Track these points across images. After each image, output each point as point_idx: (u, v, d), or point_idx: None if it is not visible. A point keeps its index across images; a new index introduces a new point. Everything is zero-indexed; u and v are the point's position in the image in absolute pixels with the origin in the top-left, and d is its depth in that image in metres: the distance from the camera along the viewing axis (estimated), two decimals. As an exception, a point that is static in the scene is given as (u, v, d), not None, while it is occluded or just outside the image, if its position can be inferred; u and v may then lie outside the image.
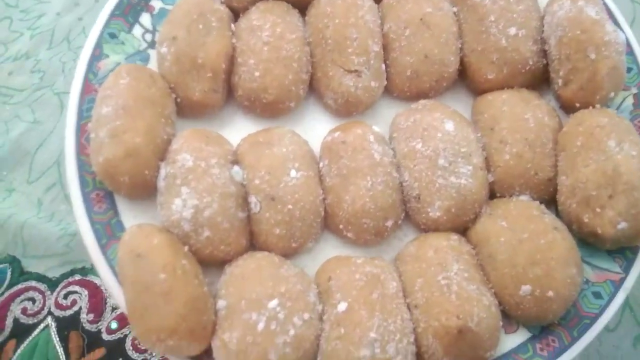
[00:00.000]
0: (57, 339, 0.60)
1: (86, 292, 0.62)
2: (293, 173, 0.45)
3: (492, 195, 0.48)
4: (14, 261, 0.64)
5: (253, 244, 0.46)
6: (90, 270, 0.63)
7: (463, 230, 0.47)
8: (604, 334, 0.58)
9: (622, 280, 0.45)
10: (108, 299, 0.62)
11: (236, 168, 0.46)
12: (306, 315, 0.41)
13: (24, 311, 0.62)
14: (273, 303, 0.40)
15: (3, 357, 0.59)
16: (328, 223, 0.47)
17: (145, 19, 0.53)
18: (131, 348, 0.59)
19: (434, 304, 0.41)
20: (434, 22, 0.50)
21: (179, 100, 0.49)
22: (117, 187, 0.45)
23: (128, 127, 0.44)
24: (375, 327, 0.40)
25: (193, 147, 0.45)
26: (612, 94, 0.47)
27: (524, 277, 0.41)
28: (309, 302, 0.42)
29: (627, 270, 0.45)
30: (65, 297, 0.62)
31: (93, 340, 0.60)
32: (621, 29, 0.53)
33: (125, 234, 0.43)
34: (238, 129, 0.51)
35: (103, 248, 0.45)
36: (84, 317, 0.61)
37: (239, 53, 0.49)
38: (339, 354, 0.40)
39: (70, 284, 0.63)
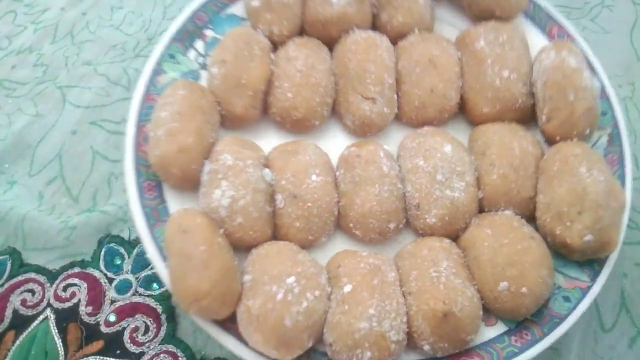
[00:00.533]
0: (56, 330, 0.59)
1: (85, 285, 0.61)
2: (314, 177, 0.53)
3: (481, 210, 0.55)
4: (14, 253, 0.64)
5: (275, 235, 0.53)
6: (90, 263, 0.62)
7: (454, 237, 0.54)
8: (599, 335, 0.59)
9: (589, 288, 0.51)
10: (107, 292, 0.61)
11: (267, 170, 0.54)
12: (317, 293, 0.48)
13: (23, 302, 0.61)
14: (291, 279, 0.47)
15: (2, 347, 0.58)
16: (340, 223, 0.55)
17: (199, 45, 0.62)
18: (129, 341, 0.58)
19: (424, 291, 0.48)
20: (440, 63, 0.59)
21: (223, 112, 0.57)
22: (168, 178, 0.53)
23: (182, 129, 0.53)
24: (374, 305, 0.46)
25: (233, 149, 0.53)
26: (588, 131, 0.54)
27: (502, 275, 0.48)
28: (320, 282, 0.49)
29: (593, 279, 0.51)
30: (65, 289, 0.61)
31: (91, 333, 0.59)
32: (598, 77, 0.60)
33: (173, 214, 0.50)
34: (269, 141, 0.58)
35: (150, 228, 0.52)
36: (82, 309, 0.60)
37: (276, 77, 0.58)
38: (342, 325, 0.46)
39: (69, 276, 0.62)
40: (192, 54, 0.62)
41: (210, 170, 0.52)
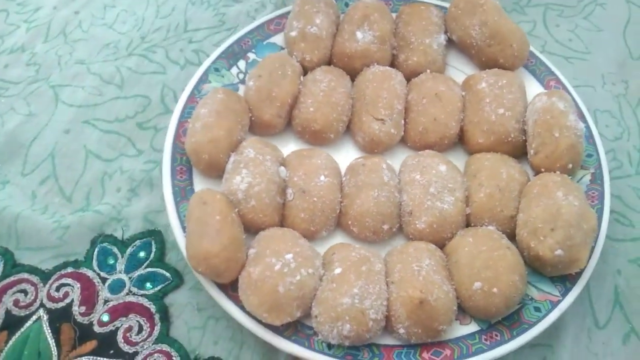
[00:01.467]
0: (49, 330, 0.57)
1: (78, 285, 0.60)
2: (322, 178, 0.60)
3: (467, 225, 0.60)
4: (6, 253, 0.62)
5: (282, 224, 0.59)
6: (84, 262, 0.61)
7: (441, 245, 0.59)
8: (593, 332, 0.59)
9: (559, 302, 0.54)
10: (100, 292, 0.60)
11: (282, 168, 0.62)
12: (310, 270, 0.53)
13: (16, 303, 0.59)
14: (289, 255, 0.53)
15: (-6, 348, 0.59)
16: (340, 220, 0.61)
17: (241, 64, 0.72)
18: (122, 341, 0.57)
19: (405, 281, 0.53)
20: (445, 97, 0.67)
21: (252, 118, 0.66)
22: (198, 163, 0.61)
23: (215, 124, 0.62)
24: (358, 286, 0.52)
25: (256, 146, 0.62)
26: (570, 165, 0.60)
27: (478, 276, 0.53)
28: (315, 264, 0.55)
29: (564, 295, 0.55)
30: (58, 289, 0.60)
31: (84, 333, 0.57)
32: (585, 120, 0.66)
33: (197, 191, 0.58)
34: (288, 148, 0.66)
35: (177, 204, 0.59)
36: (75, 309, 0.59)
37: (302, 95, 0.67)
38: (328, 300, 0.52)
39: (62, 276, 0.61)
40: (234, 70, 0.72)
41: (234, 161, 0.61)
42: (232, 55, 0.72)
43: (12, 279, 0.61)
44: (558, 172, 0.60)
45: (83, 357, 0.56)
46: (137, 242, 0.64)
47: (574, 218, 0.54)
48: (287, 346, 0.52)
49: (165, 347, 0.57)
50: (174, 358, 0.56)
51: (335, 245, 0.59)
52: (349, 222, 0.60)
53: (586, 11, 0.87)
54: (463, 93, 0.69)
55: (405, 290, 0.52)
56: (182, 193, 0.61)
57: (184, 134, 0.65)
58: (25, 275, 0.61)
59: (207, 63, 0.71)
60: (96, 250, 0.63)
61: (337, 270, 0.54)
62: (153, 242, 0.64)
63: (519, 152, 0.65)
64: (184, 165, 0.63)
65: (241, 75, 0.72)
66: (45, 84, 0.75)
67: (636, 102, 0.78)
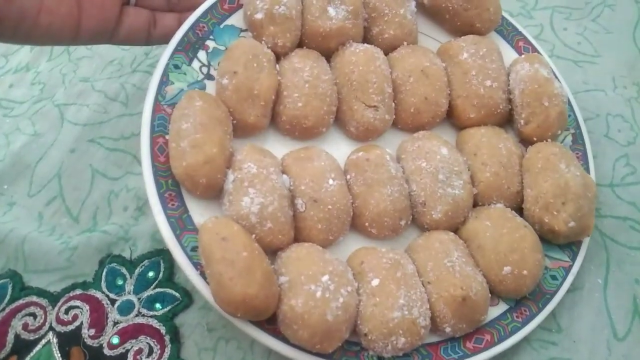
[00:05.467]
0: (59, 355, 0.59)
1: (87, 307, 0.61)
2: (331, 181, 0.56)
3: (475, 204, 0.61)
4: (14, 276, 0.64)
5: (297, 237, 0.56)
6: (92, 284, 0.62)
7: (455, 230, 0.60)
8: (612, 344, 0.58)
9: (570, 267, 0.59)
10: (109, 314, 0.61)
11: (285, 177, 0.57)
12: (349, 289, 0.51)
13: (25, 327, 0.60)
14: (325, 278, 0.50)
15: (4, 374, 0.60)
16: (355, 222, 0.58)
17: (202, 55, 0.63)
18: None
19: (443, 280, 0.53)
20: (432, 73, 0.65)
21: (234, 122, 0.59)
22: (195, 188, 0.54)
23: (206, 140, 0.54)
24: (402, 296, 0.51)
25: (255, 158, 0.55)
26: (559, 132, 0.63)
27: (505, 260, 0.55)
28: (349, 279, 0.53)
29: (573, 259, 0.60)
30: (67, 312, 0.61)
31: (94, 356, 0.58)
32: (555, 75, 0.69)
33: (206, 223, 0.51)
34: (276, 148, 0.60)
35: (178, 237, 0.53)
36: (85, 332, 0.60)
37: (284, 88, 0.61)
38: (376, 316, 0.50)
39: (71, 298, 0.62)
40: (196, 64, 0.62)
41: (235, 179, 0.54)
42: (189, 47, 0.62)
43: (20, 302, 0.61)
44: (550, 141, 0.63)
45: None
46: (146, 262, 0.63)
47: (580, 189, 0.58)
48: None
49: (176, 370, 0.59)
50: (186, 381, 0.58)
51: (360, 251, 0.57)
52: (366, 224, 0.58)
53: (594, 13, 0.86)
54: (444, 65, 0.67)
55: (446, 290, 0.53)
56: (181, 224, 0.54)
57: (160, 153, 0.56)
58: (34, 299, 0.61)
59: (164, 60, 0.60)
60: (105, 271, 0.63)
61: (375, 282, 0.53)
62: (161, 262, 0.63)
63: (504, 121, 0.67)
64: (171, 191, 0.55)
65: (205, 69, 0.62)
66: (50, 102, 0.75)
67: (648, 105, 0.80)
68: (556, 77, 0.68)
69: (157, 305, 0.61)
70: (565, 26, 0.86)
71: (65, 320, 0.60)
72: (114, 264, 0.63)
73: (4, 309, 0.62)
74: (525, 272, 0.55)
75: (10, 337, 0.59)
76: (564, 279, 0.59)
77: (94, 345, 0.59)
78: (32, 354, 0.59)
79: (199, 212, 0.56)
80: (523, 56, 0.68)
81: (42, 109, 0.75)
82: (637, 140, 0.74)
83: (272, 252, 0.55)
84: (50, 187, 0.69)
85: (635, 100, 0.77)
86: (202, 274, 0.52)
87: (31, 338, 0.60)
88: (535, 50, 0.73)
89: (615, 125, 0.75)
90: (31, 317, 0.61)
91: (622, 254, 0.64)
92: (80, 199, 0.68)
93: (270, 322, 0.52)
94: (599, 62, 0.82)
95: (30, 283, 0.63)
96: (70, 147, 0.72)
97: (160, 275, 0.63)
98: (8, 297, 0.62)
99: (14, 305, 0.62)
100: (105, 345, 0.59)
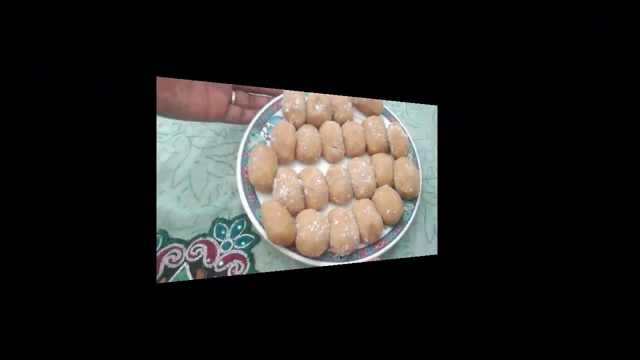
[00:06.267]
0: (190, 274, 0.75)
1: (205, 247, 0.81)
2: (318, 181, 0.92)
3: (377, 186, 1.05)
4: (164, 232, 0.81)
5: (305, 207, 0.93)
6: (208, 234, 0.77)
7: (370, 197, 1.02)
8: (426, 244, 0.86)
9: (412, 210, 1.04)
10: (217, 250, 0.77)
11: (300, 180, 0.91)
12: (325, 226, 0.91)
13: (170, 261, 0.76)
14: (315, 222, 0.89)
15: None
16: (329, 198, 0.98)
17: (264, 129, 0.96)
18: (230, 274, 0.72)
19: (363, 218, 0.96)
20: (358, 132, 1.12)
21: (277, 157, 0.92)
22: (259, 187, 0.88)
23: (263, 165, 0.88)
24: (346, 227, 0.96)
25: (286, 172, 0.92)
26: (406, 153, 1.06)
27: (388, 207, 1.04)
28: (326, 222, 0.92)
29: (414, 206, 1.07)
30: (194, 250, 0.78)
31: (210, 273, 0.73)
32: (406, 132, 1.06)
33: (264, 202, 0.85)
34: (295, 167, 0.98)
35: (252, 210, 0.89)
36: (204, 260, 0.76)
37: (300, 141, 0.97)
38: (335, 237, 0.97)
39: (196, 243, 0.80)
40: (262, 133, 0.93)
41: (277, 182, 0.85)
42: (259, 125, 0.94)
43: (168, 246, 0.78)
44: (403, 156, 1.03)
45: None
46: (236, 221, 0.87)
47: (413, 174, 0.95)
48: (322, 263, 0.86)
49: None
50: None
51: (332, 211, 0.91)
52: (334, 198, 0.93)
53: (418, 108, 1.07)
54: (362, 128, 1.03)
55: (364, 223, 0.89)
56: (254, 205, 0.86)
57: (246, 173, 0.87)
58: (175, 244, 0.78)
59: (248, 130, 0.93)
60: (215, 227, 0.83)
61: (336, 222, 0.88)
62: (245, 220, 0.87)
63: (386, 150, 1.04)
64: (250, 190, 0.87)
65: (265, 135, 0.94)
66: (183, 135, 0.94)
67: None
68: (404, 131, 1.03)
69: (243, 243, 0.84)
70: (409, 111, 1.19)
71: (193, 254, 0.77)
72: (220, 222, 0.84)
73: (158, 251, 0.78)
74: (395, 212, 0.90)
75: (161, 267, 0.74)
76: (410, 215, 0.94)
77: (209, 267, 0.76)
78: (174, 275, 0.75)
79: (263, 198, 0.87)
80: (392, 122, 1.04)
81: (179, 138, 0.94)
82: (434, 158, 1.14)
83: (293, 214, 0.87)
84: (184, 183, 0.87)
85: (435, 143, 1.13)
86: (262, 226, 0.81)
87: (173, 267, 0.74)
88: (396, 120, 1.10)
89: (427, 152, 1.14)
90: (174, 255, 0.77)
91: (428, 206, 1.00)
92: (201, 188, 0.88)
93: (292, 246, 0.82)
94: (422, 125, 1.16)
95: (173, 236, 0.78)
96: (195, 160, 0.93)
97: (244, 227, 0.87)
98: (160, 243, 0.80)
99: (164, 249, 0.78)
100: (215, 266, 0.75)
